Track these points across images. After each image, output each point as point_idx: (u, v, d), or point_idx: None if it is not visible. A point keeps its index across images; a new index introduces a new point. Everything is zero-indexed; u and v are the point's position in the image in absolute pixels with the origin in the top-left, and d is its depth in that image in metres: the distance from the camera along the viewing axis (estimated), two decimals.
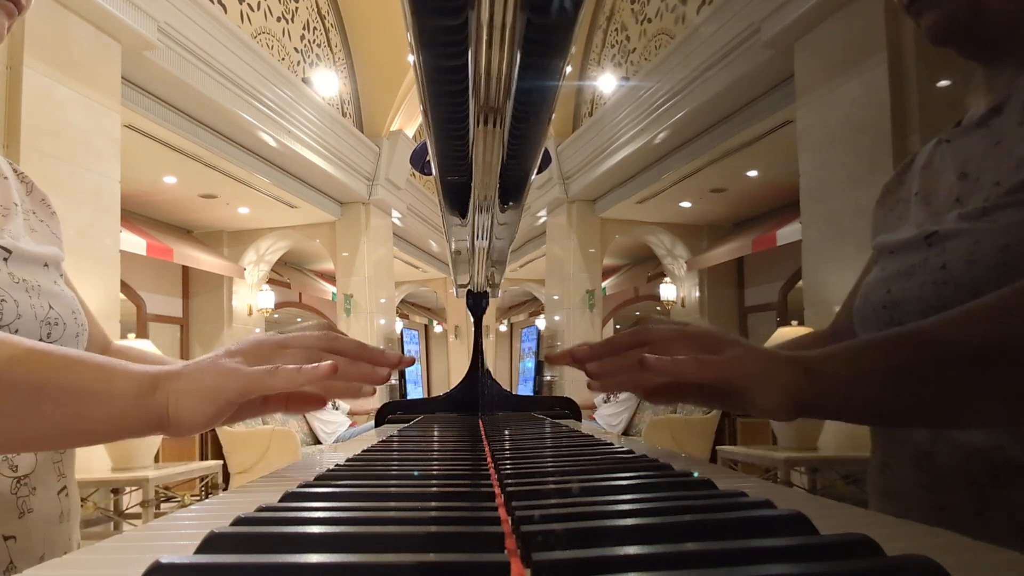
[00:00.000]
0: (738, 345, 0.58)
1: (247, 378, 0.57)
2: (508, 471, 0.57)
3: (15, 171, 0.86)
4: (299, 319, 11.72)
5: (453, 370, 14.38)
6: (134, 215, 6.91)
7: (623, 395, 6.69)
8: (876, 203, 0.87)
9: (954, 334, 0.54)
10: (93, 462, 4.05)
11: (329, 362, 0.59)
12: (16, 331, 0.69)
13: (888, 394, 0.56)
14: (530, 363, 14.53)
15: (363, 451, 0.81)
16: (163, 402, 0.56)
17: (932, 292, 0.66)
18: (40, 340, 0.72)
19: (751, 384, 0.56)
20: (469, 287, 1.63)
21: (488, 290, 1.65)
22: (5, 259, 0.72)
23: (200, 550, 0.34)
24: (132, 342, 4.68)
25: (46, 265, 0.79)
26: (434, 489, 0.52)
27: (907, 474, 0.71)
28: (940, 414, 0.57)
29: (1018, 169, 0.63)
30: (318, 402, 0.69)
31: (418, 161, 1.08)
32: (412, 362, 1.02)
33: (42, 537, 0.72)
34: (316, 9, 7.22)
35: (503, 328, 16.14)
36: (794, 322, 4.92)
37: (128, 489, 4.40)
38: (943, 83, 3.39)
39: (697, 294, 8.38)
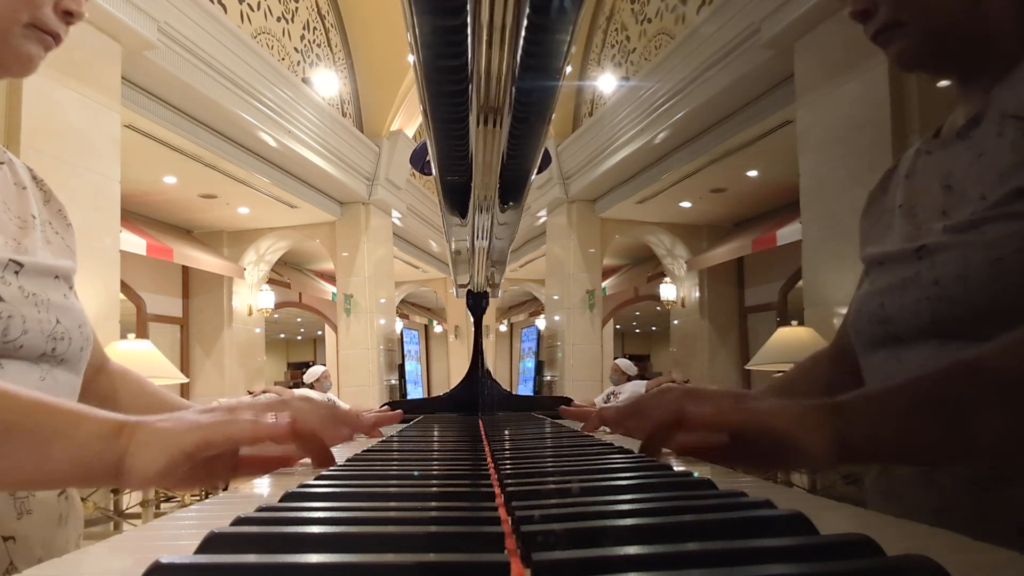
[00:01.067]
0: (765, 399, 0.59)
1: (205, 428, 0.55)
2: (508, 471, 0.57)
3: (35, 178, 0.86)
4: (298, 319, 11.72)
5: (453, 370, 14.39)
6: (134, 215, 6.91)
7: (623, 395, 6.70)
8: (862, 214, 0.88)
9: (994, 366, 0.54)
10: None
11: (287, 416, 0.58)
12: (21, 346, 0.69)
13: (930, 431, 0.55)
14: (530, 363, 14.52)
15: (363, 451, 0.81)
16: (123, 447, 0.54)
17: (927, 308, 0.66)
18: (45, 354, 0.72)
19: (792, 430, 0.55)
20: (469, 287, 1.63)
21: (488, 290, 1.65)
22: (17, 272, 0.71)
23: (200, 550, 0.34)
24: (133, 343, 4.68)
25: (57, 277, 0.79)
26: (434, 489, 0.52)
27: (907, 474, 0.71)
28: (985, 449, 0.56)
29: (1002, 182, 0.63)
30: (284, 462, 0.67)
31: (418, 161, 1.08)
32: (394, 419, 1.04)
33: (41, 539, 0.72)
34: (316, 9, 7.22)
35: (503, 328, 16.14)
36: (794, 322, 4.91)
37: (128, 489, 4.39)
38: (943, 83, 3.39)
39: (697, 294, 8.38)
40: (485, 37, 0.53)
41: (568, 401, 1.66)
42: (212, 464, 0.57)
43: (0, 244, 0.72)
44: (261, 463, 0.65)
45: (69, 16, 0.77)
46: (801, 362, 1.02)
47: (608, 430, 1.02)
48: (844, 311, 0.90)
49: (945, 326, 0.65)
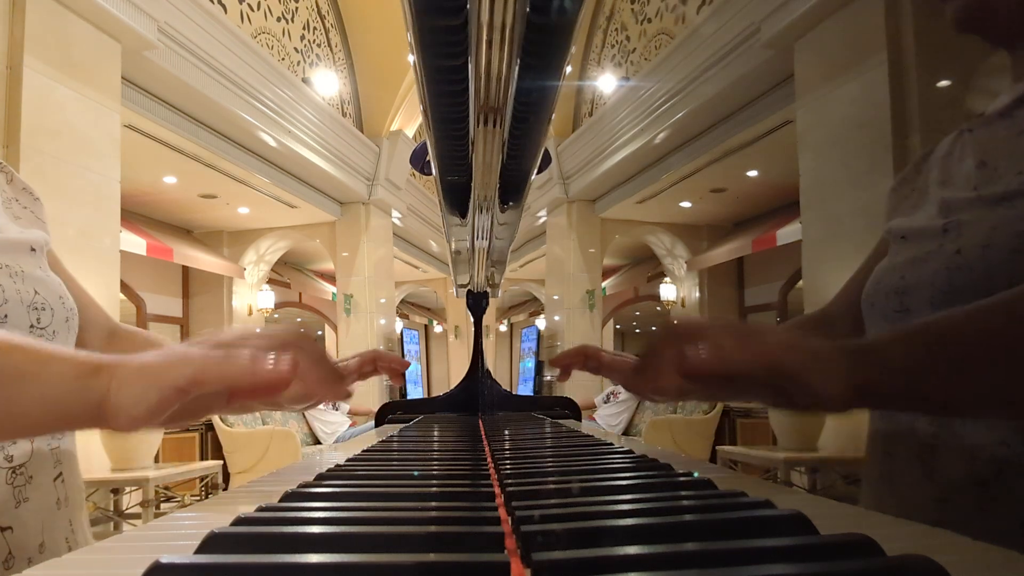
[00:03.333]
0: (772, 332, 0.53)
1: (197, 364, 0.50)
2: (508, 471, 0.57)
3: None
4: (299, 319, 11.75)
5: (453, 370, 14.38)
6: (134, 215, 6.91)
7: (623, 395, 6.69)
8: (891, 189, 0.86)
9: None
10: (93, 462, 4.05)
11: (290, 357, 0.52)
12: (5, 316, 0.68)
13: (953, 374, 0.51)
14: (530, 363, 14.52)
15: (363, 451, 0.81)
16: (104, 386, 0.51)
17: (944, 277, 0.65)
18: (33, 326, 0.72)
19: (804, 368, 0.50)
20: (469, 287, 1.63)
21: (488, 290, 1.65)
22: None
23: (200, 550, 0.34)
24: None
25: (32, 250, 0.78)
26: (434, 489, 0.52)
27: (908, 468, 0.71)
28: (1010, 399, 0.52)
29: None
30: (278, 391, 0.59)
31: (418, 161, 1.08)
32: (406, 365, 1.02)
33: (40, 525, 0.72)
34: (316, 9, 7.22)
35: (503, 328, 16.14)
36: None
37: (128, 489, 4.40)
38: (943, 83, 3.39)
39: (697, 294, 8.38)
40: (485, 37, 0.53)
41: (568, 401, 1.66)
42: (204, 398, 0.53)
43: None
44: (255, 392, 0.58)
45: None
46: (789, 323, 1.01)
47: (607, 429, 1.02)
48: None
49: (961, 294, 0.63)
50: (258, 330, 0.60)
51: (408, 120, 7.88)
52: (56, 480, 0.76)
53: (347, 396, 0.61)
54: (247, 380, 0.52)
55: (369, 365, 1.01)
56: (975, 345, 0.51)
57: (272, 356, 0.52)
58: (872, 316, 0.77)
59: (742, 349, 0.51)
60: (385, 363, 1.03)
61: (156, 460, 4.74)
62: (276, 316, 9.78)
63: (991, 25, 0.70)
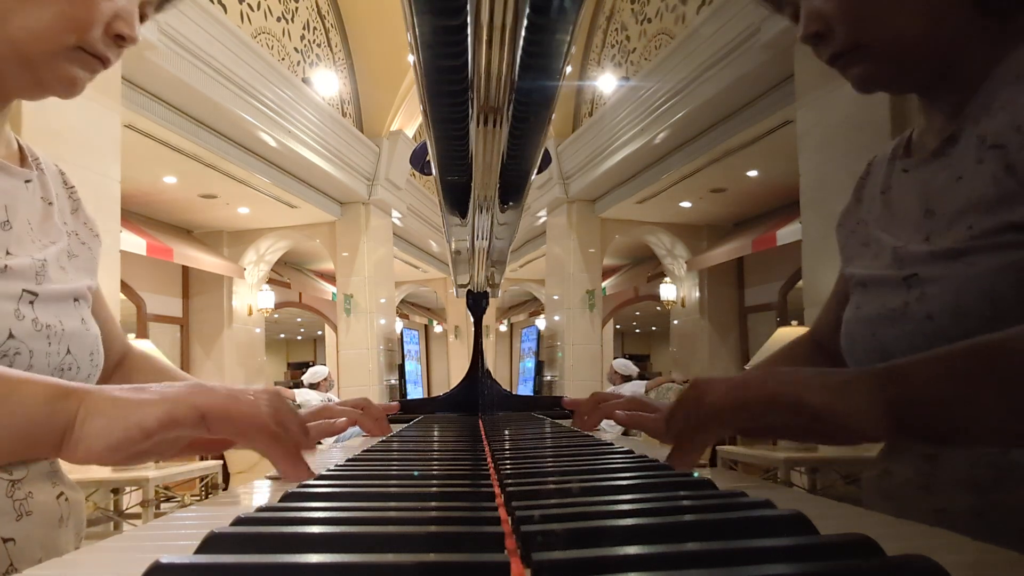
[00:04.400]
0: (790, 370, 0.53)
1: (170, 403, 0.50)
2: (508, 471, 0.57)
3: (66, 184, 0.85)
4: (298, 319, 11.70)
5: (453, 370, 14.39)
6: (134, 215, 6.91)
7: (623, 396, 6.67)
8: (837, 225, 0.87)
9: None
10: None
11: (266, 401, 0.54)
12: None
13: (1003, 399, 0.48)
14: (530, 363, 14.51)
15: (363, 451, 0.81)
16: (72, 411, 0.50)
17: (923, 343, 0.64)
18: None
19: (833, 403, 0.49)
20: (469, 287, 1.63)
21: (488, 290, 1.65)
22: (32, 302, 0.69)
23: (200, 550, 0.34)
24: (133, 343, 4.67)
25: (76, 300, 0.77)
26: (434, 489, 0.52)
27: (907, 474, 0.71)
28: None
29: (988, 212, 0.61)
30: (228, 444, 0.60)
31: (418, 161, 1.08)
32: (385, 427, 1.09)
33: (41, 540, 0.72)
34: (316, 9, 7.22)
35: (503, 328, 16.14)
36: (794, 322, 4.91)
37: (128, 489, 4.39)
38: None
39: (697, 294, 8.38)
40: (485, 37, 0.53)
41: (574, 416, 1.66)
42: (164, 442, 0.52)
43: (26, 265, 0.70)
44: (210, 444, 0.59)
45: (121, 40, 0.71)
46: (780, 350, 1.01)
47: (607, 430, 1.02)
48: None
49: None
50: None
51: (408, 120, 7.88)
52: (59, 498, 0.76)
53: (306, 474, 0.58)
54: (219, 413, 0.51)
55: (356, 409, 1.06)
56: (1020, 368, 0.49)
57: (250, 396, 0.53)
58: (855, 365, 0.77)
59: (762, 390, 0.52)
60: (370, 416, 1.10)
61: (156, 460, 4.73)
62: (276, 316, 9.78)
63: (892, 87, 0.72)
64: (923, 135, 0.76)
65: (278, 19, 6.44)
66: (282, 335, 18.40)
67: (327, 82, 7.13)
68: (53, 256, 0.76)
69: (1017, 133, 0.60)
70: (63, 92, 0.72)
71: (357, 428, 1.09)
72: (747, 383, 0.53)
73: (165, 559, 0.30)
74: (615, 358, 7.27)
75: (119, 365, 0.97)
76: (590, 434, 1.01)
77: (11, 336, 0.67)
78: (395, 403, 1.38)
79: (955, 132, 0.68)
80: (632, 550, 0.31)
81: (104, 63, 0.71)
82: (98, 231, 0.89)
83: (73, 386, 0.52)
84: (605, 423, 1.08)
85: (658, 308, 9.25)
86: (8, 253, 0.70)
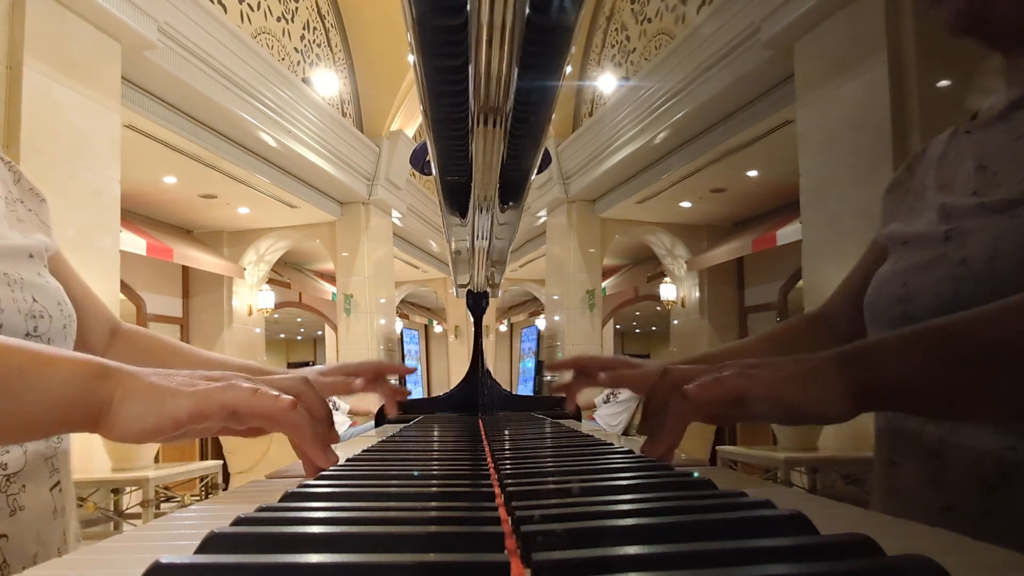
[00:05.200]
0: (761, 364, 0.57)
1: (199, 397, 0.52)
2: (508, 471, 0.57)
3: (2, 159, 0.86)
4: (299, 319, 11.74)
5: (453, 370, 14.38)
6: (134, 215, 6.91)
7: (623, 395, 6.69)
8: (885, 192, 0.86)
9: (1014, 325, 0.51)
10: (93, 462, 4.05)
11: (290, 398, 0.56)
12: (0, 325, 0.68)
13: (955, 375, 0.52)
14: (530, 363, 14.52)
15: (363, 451, 0.81)
16: (110, 392, 0.52)
17: (950, 287, 0.65)
18: (28, 334, 0.72)
19: (803, 394, 0.54)
20: (469, 287, 1.63)
21: (488, 290, 1.65)
22: None
23: (200, 550, 0.34)
24: None
25: (31, 256, 0.78)
26: (434, 489, 0.52)
27: (914, 472, 0.71)
28: (1010, 402, 0.53)
29: None
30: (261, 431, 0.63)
31: (418, 161, 1.08)
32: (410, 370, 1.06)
33: (35, 535, 0.71)
34: (316, 9, 7.22)
35: (503, 328, 16.14)
36: None
37: (128, 489, 4.40)
38: (943, 83, 3.39)
39: (697, 294, 8.38)
40: (485, 37, 0.53)
41: (565, 401, 1.66)
42: (199, 428, 0.55)
43: None
44: (252, 419, 0.61)
45: None
46: (776, 328, 1.01)
47: (607, 430, 1.02)
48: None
49: (965, 305, 0.62)
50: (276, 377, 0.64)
51: (408, 120, 7.88)
52: (53, 489, 0.76)
53: (332, 461, 0.63)
54: (244, 408, 0.54)
55: (372, 376, 1.04)
56: (979, 349, 0.52)
57: (274, 392, 0.55)
58: (876, 323, 0.77)
59: (737, 386, 0.55)
60: (389, 373, 1.06)
61: (156, 460, 4.74)
62: (276, 316, 9.78)
63: (986, 28, 0.69)
64: (994, 105, 0.74)
65: (278, 19, 6.44)
66: (282, 335, 18.40)
67: (327, 82, 7.12)
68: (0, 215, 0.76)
69: None
70: None
71: (357, 429, 1.10)
72: (720, 380, 0.57)
73: (165, 559, 0.30)
74: None
75: (115, 339, 0.96)
76: (590, 434, 1.01)
77: None
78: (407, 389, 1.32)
79: (1023, 97, 0.67)
80: (632, 550, 0.31)
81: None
82: (44, 196, 0.88)
83: (111, 366, 0.54)
84: (603, 423, 1.08)
85: (658, 308, 9.25)
86: None
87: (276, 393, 0.56)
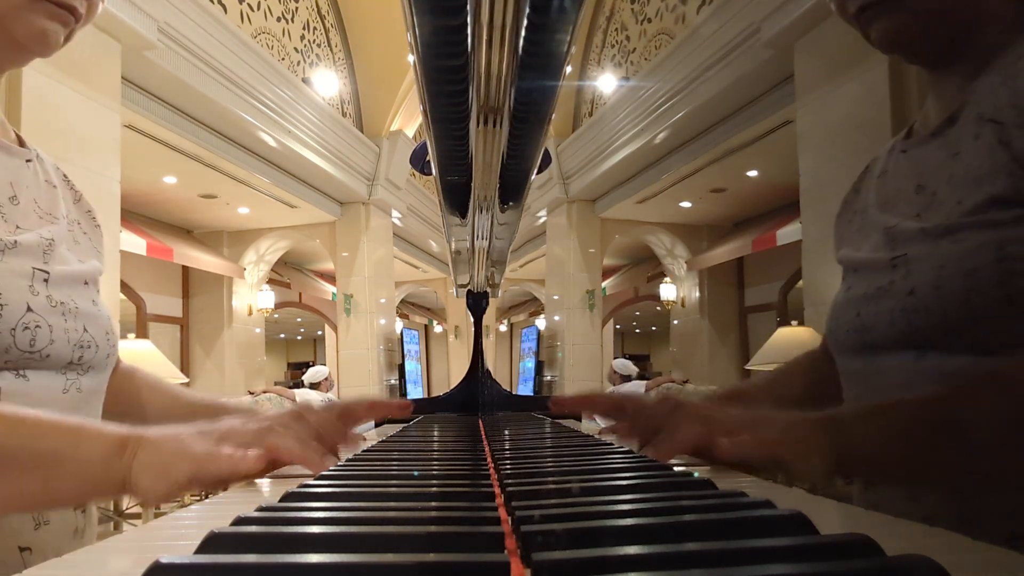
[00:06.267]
0: (757, 421, 0.62)
1: (196, 461, 0.58)
2: (508, 471, 0.57)
3: (65, 178, 0.86)
4: (299, 319, 11.69)
5: (453, 370, 14.38)
6: (134, 215, 6.91)
7: (626, 388, 6.67)
8: (836, 216, 0.87)
9: (1001, 384, 0.56)
10: None
11: (254, 454, 0.60)
12: (48, 356, 0.69)
13: (928, 451, 0.57)
14: (530, 363, 14.51)
15: (363, 451, 0.81)
16: (127, 467, 0.56)
17: (902, 318, 0.66)
18: (72, 363, 0.73)
19: (789, 456, 0.59)
20: (469, 287, 1.63)
21: (488, 290, 1.65)
22: (45, 280, 0.71)
23: (200, 550, 0.34)
24: (133, 343, 4.67)
25: (86, 283, 0.78)
26: (434, 489, 0.52)
27: (892, 493, 0.71)
28: (983, 469, 0.58)
29: (978, 187, 0.61)
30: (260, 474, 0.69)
31: (418, 161, 1.08)
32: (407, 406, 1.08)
33: (56, 551, 0.72)
34: (316, 9, 7.22)
35: (503, 328, 16.13)
36: (794, 322, 4.91)
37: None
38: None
39: (697, 294, 8.38)
40: (485, 37, 0.53)
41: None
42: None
43: (34, 243, 0.71)
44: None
45: None
46: (786, 363, 1.02)
47: (602, 423, 1.02)
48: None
49: (921, 336, 0.65)
50: (268, 398, 0.68)
51: (408, 120, 7.88)
52: (78, 509, 0.77)
53: (329, 462, 0.67)
54: (228, 476, 0.60)
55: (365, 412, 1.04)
56: (956, 432, 0.57)
57: (251, 451, 0.60)
58: (838, 351, 0.79)
59: (736, 445, 0.60)
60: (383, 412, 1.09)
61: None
62: (276, 316, 9.77)
63: (914, 46, 0.71)
64: (926, 119, 0.75)
65: (278, 19, 6.44)
66: (282, 335, 18.40)
67: (327, 82, 7.12)
68: (60, 237, 0.76)
69: (1014, 110, 0.60)
70: (36, 47, 0.71)
71: (358, 428, 1.09)
72: (712, 426, 0.63)
73: (165, 559, 0.30)
74: (615, 358, 7.27)
75: (114, 376, 0.95)
76: (590, 434, 1.01)
77: (29, 310, 0.67)
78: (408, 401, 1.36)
79: (956, 112, 0.68)
80: (632, 550, 0.31)
81: (73, 15, 0.70)
82: (99, 222, 0.90)
83: (127, 438, 0.58)
84: (602, 422, 1.08)
85: (658, 308, 9.25)
86: (18, 228, 0.71)
87: (243, 453, 0.60)
